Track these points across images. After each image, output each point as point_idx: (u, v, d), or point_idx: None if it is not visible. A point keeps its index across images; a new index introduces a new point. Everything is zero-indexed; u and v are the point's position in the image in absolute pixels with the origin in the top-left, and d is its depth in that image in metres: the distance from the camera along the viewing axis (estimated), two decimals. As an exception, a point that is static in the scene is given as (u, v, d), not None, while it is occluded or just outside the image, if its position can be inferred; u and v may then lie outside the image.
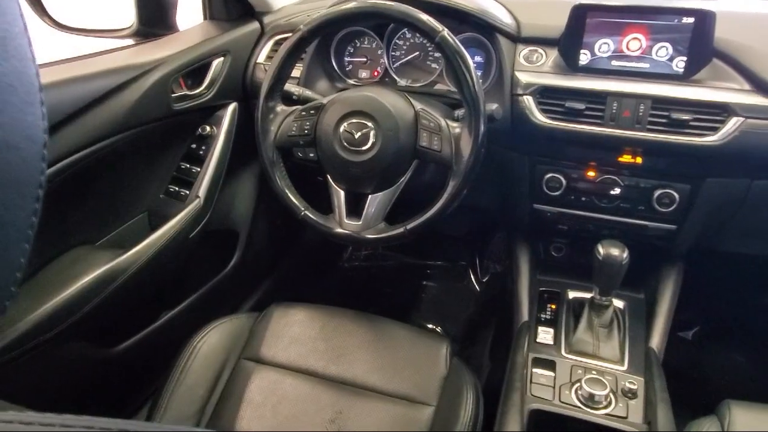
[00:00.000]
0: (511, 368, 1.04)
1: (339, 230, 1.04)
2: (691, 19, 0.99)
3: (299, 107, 1.05)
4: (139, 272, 1.08)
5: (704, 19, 0.97)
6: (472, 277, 1.90)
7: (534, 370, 1.01)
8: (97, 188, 1.11)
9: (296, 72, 1.25)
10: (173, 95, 1.16)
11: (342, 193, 1.05)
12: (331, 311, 1.15)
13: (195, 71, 1.21)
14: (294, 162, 1.26)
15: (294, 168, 1.17)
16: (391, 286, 1.94)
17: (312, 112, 1.03)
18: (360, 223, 1.03)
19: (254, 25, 1.35)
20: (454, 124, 0.97)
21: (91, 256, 1.08)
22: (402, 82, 1.27)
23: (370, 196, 1.02)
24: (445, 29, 0.93)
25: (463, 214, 1.87)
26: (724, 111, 0.97)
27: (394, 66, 1.29)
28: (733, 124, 0.96)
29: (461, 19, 1.16)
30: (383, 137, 0.96)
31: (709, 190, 1.05)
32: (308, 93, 1.14)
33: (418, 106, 0.99)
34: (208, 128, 1.27)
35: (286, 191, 1.06)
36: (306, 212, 1.06)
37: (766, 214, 1.08)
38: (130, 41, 1.25)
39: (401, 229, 1.00)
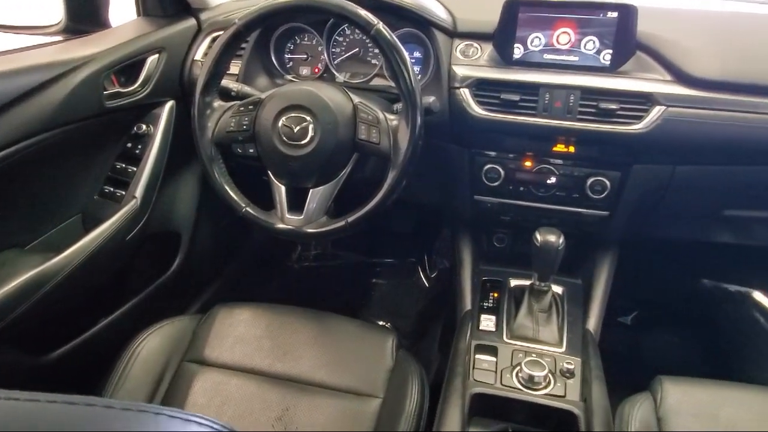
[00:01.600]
0: (453, 355, 1.06)
1: (280, 225, 1.03)
2: (615, 14, 1.03)
3: (237, 103, 1.04)
4: (72, 276, 1.04)
5: (627, 14, 1.02)
6: (420, 273, 1.92)
7: (477, 356, 1.03)
8: (26, 189, 1.06)
9: (235, 69, 1.24)
10: (105, 92, 1.12)
11: (283, 189, 1.04)
12: (277, 309, 1.14)
13: (128, 68, 1.18)
14: (235, 159, 1.24)
15: (237, 166, 1.15)
16: (341, 285, 1.94)
17: (250, 107, 1.02)
18: (302, 217, 1.03)
19: (190, 22, 1.32)
20: (392, 117, 0.98)
21: (20, 259, 1.03)
22: (341, 78, 1.28)
23: (311, 190, 1.02)
24: (381, 23, 0.94)
25: (409, 211, 1.91)
26: (647, 100, 1.02)
27: (335, 62, 1.29)
28: (656, 112, 1.01)
29: (398, 15, 1.17)
30: (322, 131, 0.96)
31: (637, 177, 1.10)
32: (247, 89, 1.13)
33: (357, 99, 1.00)
34: (144, 127, 1.24)
35: (226, 188, 1.05)
36: (247, 209, 1.04)
37: (689, 199, 1.14)
38: (58, 38, 1.20)
39: (342, 223, 1.00)
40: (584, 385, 0.97)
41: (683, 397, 0.95)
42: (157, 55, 1.23)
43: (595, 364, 1.02)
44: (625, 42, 1.04)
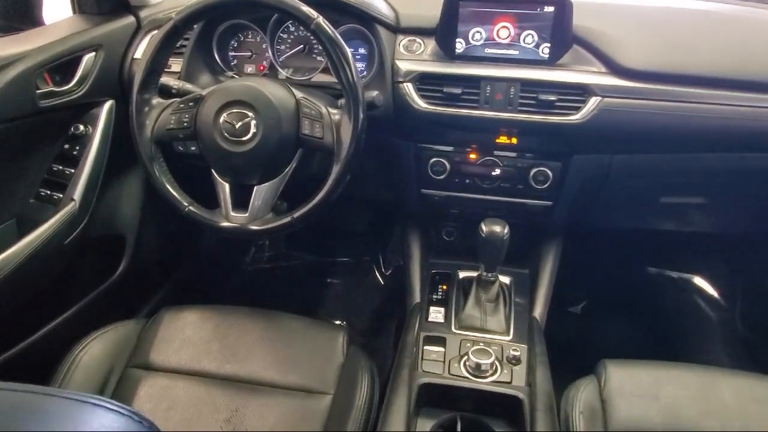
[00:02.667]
0: (401, 347, 1.06)
1: (225, 224, 1.01)
2: (551, 8, 1.06)
3: (177, 100, 1.02)
4: (7, 282, 1.00)
5: (563, 8, 1.05)
6: (375, 271, 1.92)
7: (425, 347, 1.04)
8: None
9: (177, 67, 1.22)
10: (39, 92, 1.08)
11: (227, 186, 1.02)
12: (225, 310, 1.12)
13: (63, 67, 1.14)
14: (177, 158, 1.21)
15: (181, 165, 1.13)
16: (296, 286, 1.92)
17: (191, 104, 1.00)
18: (247, 215, 1.01)
19: (129, 20, 1.29)
20: (335, 111, 0.98)
21: (-52, 267, 0.98)
22: (284, 74, 1.27)
23: (255, 187, 1.01)
24: (321, 17, 0.93)
25: (363, 209, 1.90)
26: (584, 92, 1.05)
27: (280, 59, 1.28)
28: (592, 103, 1.04)
29: (341, 11, 1.18)
30: (265, 126, 0.95)
31: (577, 166, 1.13)
32: (188, 86, 1.11)
33: (299, 94, 1.00)
34: (82, 127, 1.20)
35: (168, 186, 1.02)
36: (190, 207, 1.02)
37: (628, 187, 1.18)
38: (-13, 36, 1.15)
39: (288, 218, 0.99)
40: (530, 371, 0.99)
41: (626, 379, 0.97)
42: (93, 54, 1.19)
43: (540, 350, 1.04)
44: (562, 36, 1.07)
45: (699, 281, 1.80)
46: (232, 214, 1.02)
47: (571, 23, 1.06)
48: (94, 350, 1.04)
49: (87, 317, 1.30)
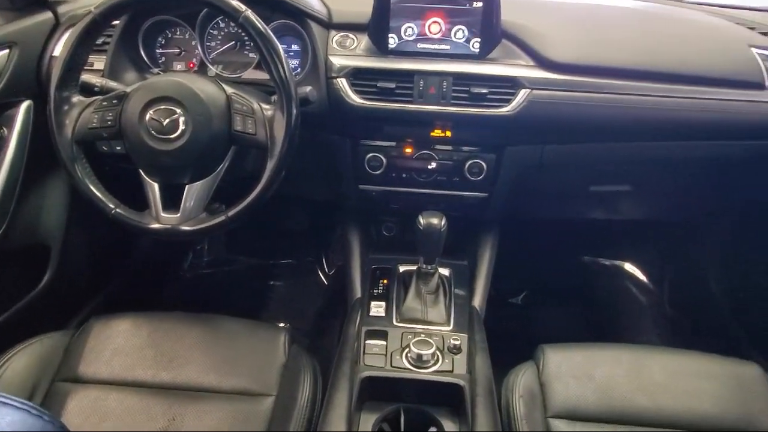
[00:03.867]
0: (342, 342, 1.06)
1: (155, 225, 0.97)
2: (480, 4, 1.08)
3: (99, 98, 0.97)
4: None
5: (491, 4, 1.07)
6: (319, 271, 1.90)
7: (367, 341, 1.04)
8: None
9: (101, 64, 1.16)
10: (-56, 92, 1.01)
11: (156, 186, 0.98)
12: (159, 317, 1.07)
13: (-28, 65, 1.07)
14: (102, 158, 1.16)
15: (108, 167, 1.08)
16: (237, 290, 1.87)
17: (114, 101, 0.95)
18: (178, 215, 0.98)
19: (46, 15, 1.22)
20: (267, 107, 0.97)
21: None
22: (213, 70, 1.24)
23: (187, 186, 0.98)
24: (249, 10, 0.91)
25: (304, 209, 1.88)
26: (514, 84, 1.08)
27: (210, 56, 1.24)
28: (522, 95, 1.07)
29: (273, 6, 1.16)
30: (194, 123, 0.92)
31: (511, 158, 1.16)
32: (112, 84, 1.06)
33: (230, 90, 0.97)
34: (-4, 129, 1.12)
35: (92, 188, 0.97)
36: (117, 210, 0.98)
37: (559, 177, 1.22)
38: None
39: (222, 217, 0.96)
40: (470, 359, 1.01)
41: (563, 362, 1.01)
42: (7, 51, 1.12)
43: (479, 338, 1.06)
44: (491, 31, 1.09)
45: (630, 267, 1.89)
46: (163, 215, 0.98)
47: (499, 18, 1.09)
48: (17, 365, 0.98)
49: (9, 332, 1.22)
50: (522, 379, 0.98)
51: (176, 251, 1.90)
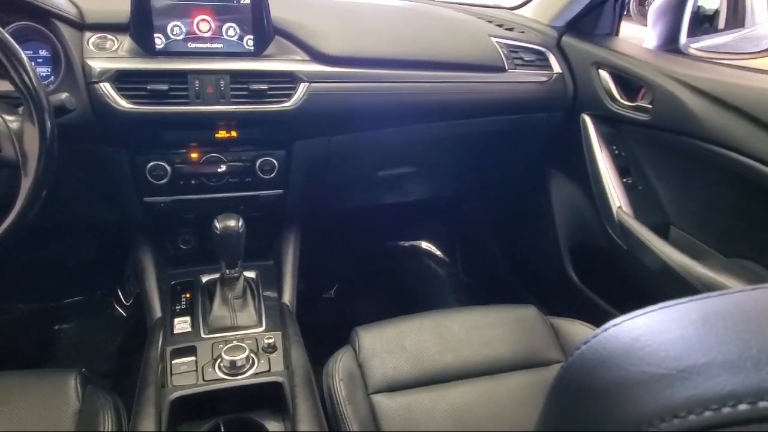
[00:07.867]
0: (144, 367, 0.96)
1: None
2: (247, 1, 1.07)
3: None
4: None
5: (259, 1, 1.07)
6: (115, 304, 1.71)
7: (173, 361, 0.96)
8: None
9: None
10: None
11: None
12: None
13: None
14: None
15: None
16: (15, 344, 1.59)
17: None
18: None
19: None
20: (12, 118, 0.84)
21: None
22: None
23: None
24: None
25: (87, 237, 1.67)
26: (292, 79, 1.09)
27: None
28: (302, 89, 1.09)
29: (9, 7, 1.01)
30: None
31: (300, 152, 1.17)
32: None
33: None
34: None
35: None
36: None
37: (349, 166, 1.27)
38: None
39: None
40: (286, 355, 1.00)
41: (376, 340, 1.05)
42: None
43: (293, 332, 1.06)
44: (263, 28, 1.09)
45: (426, 245, 2.06)
46: None
47: (269, 15, 1.09)
48: None
49: None
50: (340, 363, 1.00)
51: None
